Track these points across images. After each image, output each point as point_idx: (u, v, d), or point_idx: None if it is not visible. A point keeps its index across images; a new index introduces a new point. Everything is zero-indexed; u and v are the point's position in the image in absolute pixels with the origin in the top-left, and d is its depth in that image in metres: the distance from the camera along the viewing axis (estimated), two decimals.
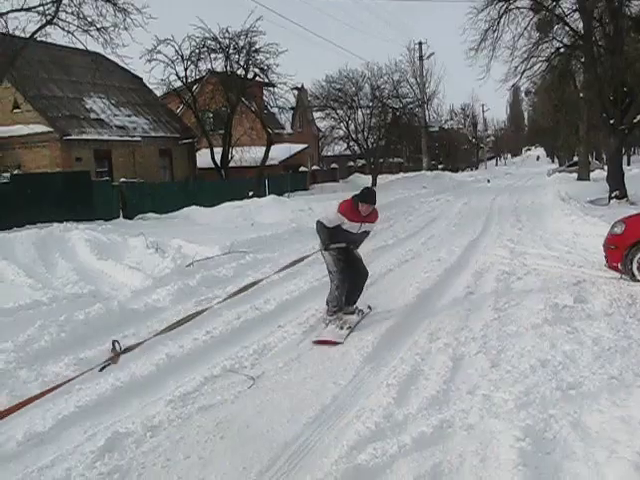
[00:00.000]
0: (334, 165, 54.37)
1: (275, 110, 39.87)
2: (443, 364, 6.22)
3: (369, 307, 8.56)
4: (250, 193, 28.49)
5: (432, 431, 4.71)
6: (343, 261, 8.06)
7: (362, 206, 7.77)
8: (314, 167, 49.08)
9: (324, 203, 23.01)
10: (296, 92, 44.46)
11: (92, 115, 30.35)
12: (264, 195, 28.46)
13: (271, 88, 35.91)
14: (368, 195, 7.86)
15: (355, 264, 8.24)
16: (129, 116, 32.54)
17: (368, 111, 45.41)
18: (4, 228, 16.81)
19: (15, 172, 25.10)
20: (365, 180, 46.42)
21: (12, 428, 5.13)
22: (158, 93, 36.30)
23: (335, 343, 7.21)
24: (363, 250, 13.60)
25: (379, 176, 45.67)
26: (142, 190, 25.80)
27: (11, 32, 22.12)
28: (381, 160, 48.03)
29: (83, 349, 7.10)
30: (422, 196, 30.92)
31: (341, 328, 7.66)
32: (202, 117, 35.56)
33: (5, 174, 24.68)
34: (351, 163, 58.37)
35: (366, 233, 8.24)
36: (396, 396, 5.43)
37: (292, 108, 44.52)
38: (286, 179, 37.94)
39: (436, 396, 5.42)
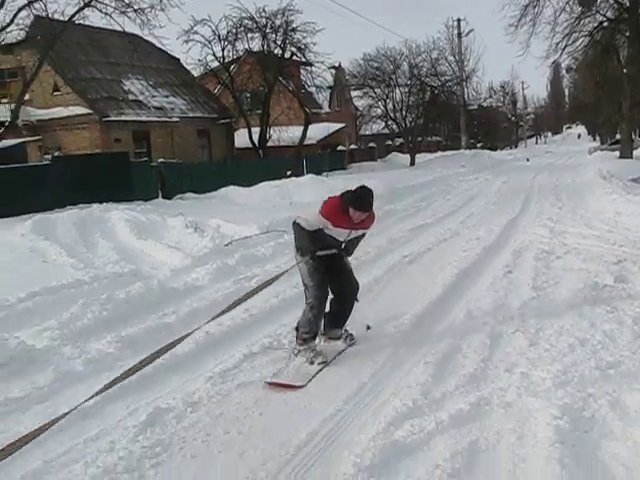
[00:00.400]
0: (372, 144, 54.12)
1: (313, 89, 39.90)
2: (481, 342, 6.19)
3: (368, 327, 6.91)
4: (288, 172, 28.55)
5: (469, 408, 4.71)
6: (322, 273, 6.18)
7: (354, 212, 5.90)
8: (352, 146, 49.01)
9: (362, 182, 22.91)
10: (334, 71, 44.33)
11: (130, 96, 30.66)
12: (302, 174, 28.55)
13: (308, 67, 35.93)
14: (362, 199, 5.95)
15: (342, 275, 6.44)
16: (167, 97, 32.79)
17: (406, 89, 45.20)
18: (46, 209, 17.10)
19: (56, 154, 25.49)
20: (403, 159, 46.25)
21: (58, 403, 5.28)
22: (195, 74, 36.53)
23: (293, 387, 5.51)
24: (402, 228, 13.64)
25: (417, 155, 45.41)
26: (180, 170, 26.03)
27: (50, 15, 22.43)
28: (419, 139, 47.81)
29: (125, 327, 7.22)
30: (461, 175, 30.69)
31: (311, 363, 5.96)
32: (240, 97, 35.69)
33: (46, 156, 25.12)
34: (389, 142, 58.09)
35: (357, 239, 6.52)
36: (434, 374, 5.44)
37: (330, 87, 44.51)
38: (324, 158, 37.94)
39: (474, 374, 5.41)
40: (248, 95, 38.32)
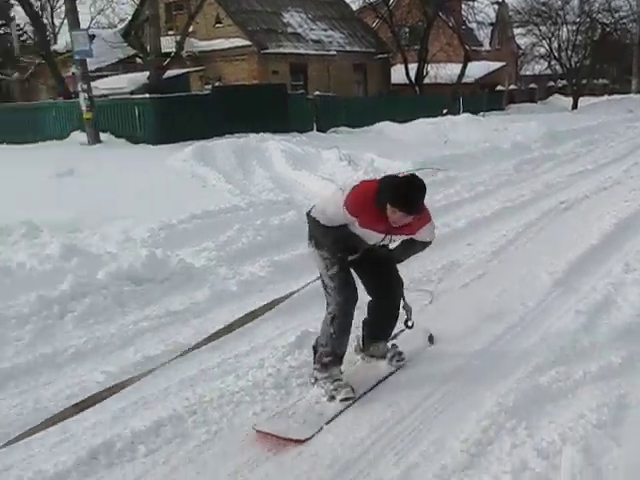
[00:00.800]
0: (532, 85, 51.98)
1: (473, 25, 38.65)
2: (638, 296, 5.86)
3: (430, 338, 5.03)
4: (444, 111, 28.02)
5: (620, 362, 4.52)
6: (347, 270, 4.37)
7: (393, 212, 3.89)
8: (511, 86, 47.20)
9: (520, 124, 22.20)
10: (496, 7, 42.68)
11: (289, 29, 30.94)
12: (458, 113, 27.89)
13: (470, 2, 34.88)
14: (407, 196, 3.88)
15: (378, 266, 4.52)
16: (325, 30, 32.82)
17: (574, 27, 42.63)
18: (206, 137, 17.69)
19: (216, 84, 26.29)
20: (565, 102, 44.15)
21: (213, 319, 5.58)
22: (354, 7, 36.33)
23: (289, 442, 3.74)
24: (560, 173, 13.14)
25: (581, 98, 43.17)
26: (336, 104, 26.13)
27: None
28: (584, 81, 45.33)
29: (277, 253, 7.50)
30: (628, 121, 28.85)
31: (331, 398, 4.15)
32: (398, 32, 35.13)
33: (207, 86, 25.99)
34: (551, 83, 55.45)
35: (411, 246, 4.52)
36: (585, 323, 5.25)
37: (491, 24, 42.93)
38: (481, 98, 36.83)
39: (628, 328, 5.15)
40: (406, 30, 37.68)
